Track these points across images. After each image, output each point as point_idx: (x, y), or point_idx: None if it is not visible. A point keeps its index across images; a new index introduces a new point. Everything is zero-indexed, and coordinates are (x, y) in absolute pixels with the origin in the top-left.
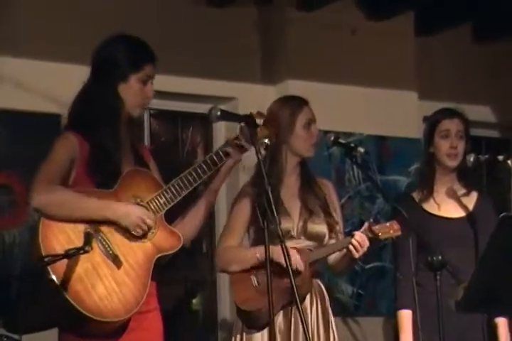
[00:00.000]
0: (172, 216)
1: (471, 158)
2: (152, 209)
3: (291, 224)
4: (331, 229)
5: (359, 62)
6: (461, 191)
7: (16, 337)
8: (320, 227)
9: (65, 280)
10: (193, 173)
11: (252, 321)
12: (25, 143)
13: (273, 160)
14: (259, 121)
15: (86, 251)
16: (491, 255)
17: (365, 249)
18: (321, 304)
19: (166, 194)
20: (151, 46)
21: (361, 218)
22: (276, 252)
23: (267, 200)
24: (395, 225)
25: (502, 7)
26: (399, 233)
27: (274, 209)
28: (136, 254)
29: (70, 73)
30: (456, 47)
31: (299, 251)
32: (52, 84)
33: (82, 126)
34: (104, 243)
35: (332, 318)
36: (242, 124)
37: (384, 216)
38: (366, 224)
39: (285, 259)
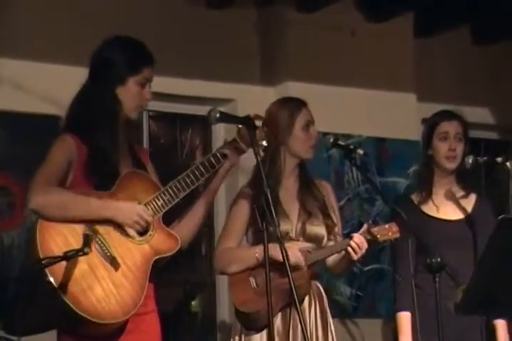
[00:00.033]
0: (170, 218)
1: (470, 159)
2: None
3: (289, 225)
4: (330, 230)
5: (358, 63)
6: (460, 193)
7: (15, 338)
8: (318, 229)
9: (63, 282)
10: (191, 175)
11: (250, 323)
12: (24, 144)
13: (271, 161)
14: (259, 123)
15: (85, 253)
16: (490, 257)
17: (363, 250)
18: (320, 306)
19: (163, 196)
20: (151, 47)
21: (360, 220)
22: (274, 250)
23: (265, 202)
24: (394, 227)
25: (501, 8)
26: (398, 235)
27: (273, 211)
28: (134, 256)
29: (69, 75)
30: (456, 48)
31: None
32: (52, 86)
33: (79, 128)
34: (101, 245)
35: (331, 320)
36: (240, 126)
37: (383, 218)
38: (365, 226)
39: (284, 259)
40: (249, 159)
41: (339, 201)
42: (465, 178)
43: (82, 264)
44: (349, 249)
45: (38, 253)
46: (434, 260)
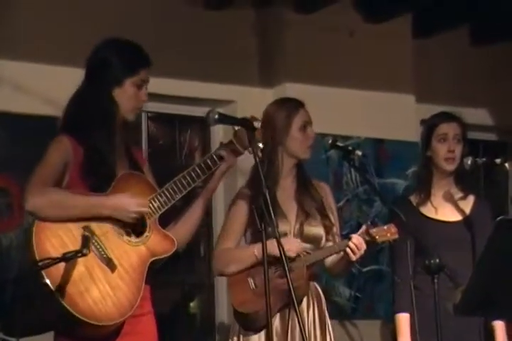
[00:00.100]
0: (166, 219)
1: (469, 161)
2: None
3: (287, 226)
4: (328, 231)
5: (357, 64)
6: (458, 195)
7: (13, 340)
8: (317, 229)
9: (60, 284)
10: (187, 177)
11: (249, 323)
12: (22, 145)
13: (269, 162)
14: (257, 125)
15: (84, 254)
16: (489, 258)
17: (362, 252)
18: (318, 307)
19: (160, 197)
20: (149, 48)
21: (359, 221)
22: (271, 244)
23: (264, 202)
24: (393, 228)
25: (500, 9)
26: (396, 236)
27: (272, 212)
28: (130, 258)
29: (69, 76)
30: (454, 49)
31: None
32: (51, 87)
33: (76, 129)
34: (98, 246)
35: (329, 321)
36: (237, 128)
37: (382, 219)
38: (364, 227)
39: (282, 259)
40: (247, 160)
41: (338, 202)
42: (464, 180)
43: (79, 266)
44: (348, 249)
45: (34, 254)
46: (432, 261)
